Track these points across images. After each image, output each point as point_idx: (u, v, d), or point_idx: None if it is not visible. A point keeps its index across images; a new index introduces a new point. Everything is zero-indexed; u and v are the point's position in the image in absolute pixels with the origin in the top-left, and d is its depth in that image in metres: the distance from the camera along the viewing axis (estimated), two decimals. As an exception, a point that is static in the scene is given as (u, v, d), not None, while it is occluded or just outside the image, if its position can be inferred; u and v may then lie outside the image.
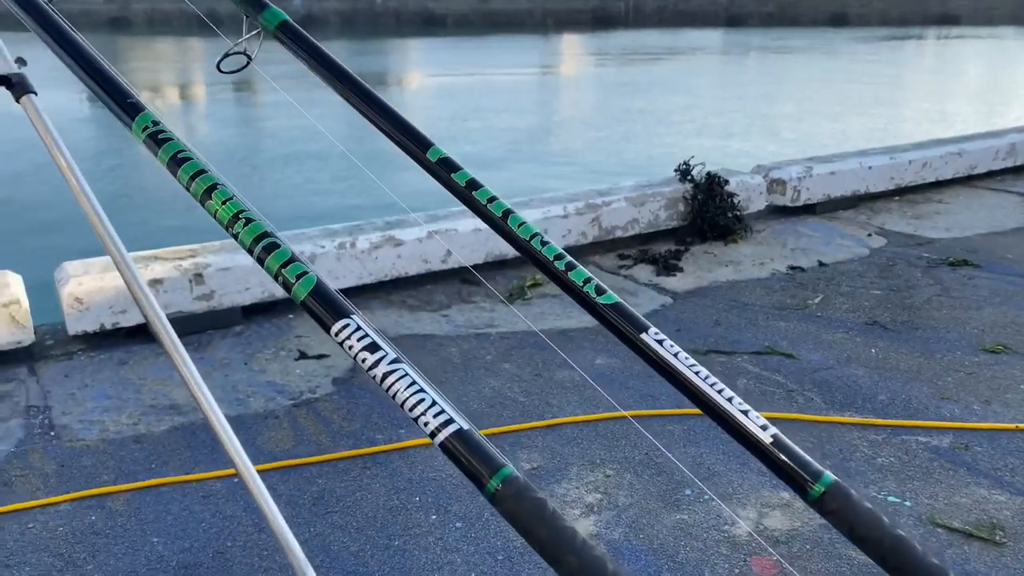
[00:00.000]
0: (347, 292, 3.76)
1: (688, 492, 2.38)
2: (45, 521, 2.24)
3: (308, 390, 2.97)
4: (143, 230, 6.72)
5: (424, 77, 20.41)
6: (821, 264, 4.32)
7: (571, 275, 1.02)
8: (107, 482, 2.41)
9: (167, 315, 1.34)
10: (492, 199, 1.09)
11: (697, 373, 0.95)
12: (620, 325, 1.02)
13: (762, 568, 2.07)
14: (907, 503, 2.33)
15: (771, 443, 0.91)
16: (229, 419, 2.75)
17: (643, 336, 0.98)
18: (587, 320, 3.68)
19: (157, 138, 0.95)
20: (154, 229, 6.71)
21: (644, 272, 4.23)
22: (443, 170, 1.10)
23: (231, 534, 2.18)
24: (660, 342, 0.98)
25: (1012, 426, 2.70)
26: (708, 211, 4.63)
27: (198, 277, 3.38)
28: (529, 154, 10.92)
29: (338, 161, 9.55)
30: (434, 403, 0.80)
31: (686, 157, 4.84)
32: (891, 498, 2.35)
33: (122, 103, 0.97)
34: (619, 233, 4.53)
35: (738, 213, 4.70)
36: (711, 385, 0.94)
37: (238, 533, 2.18)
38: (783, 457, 0.90)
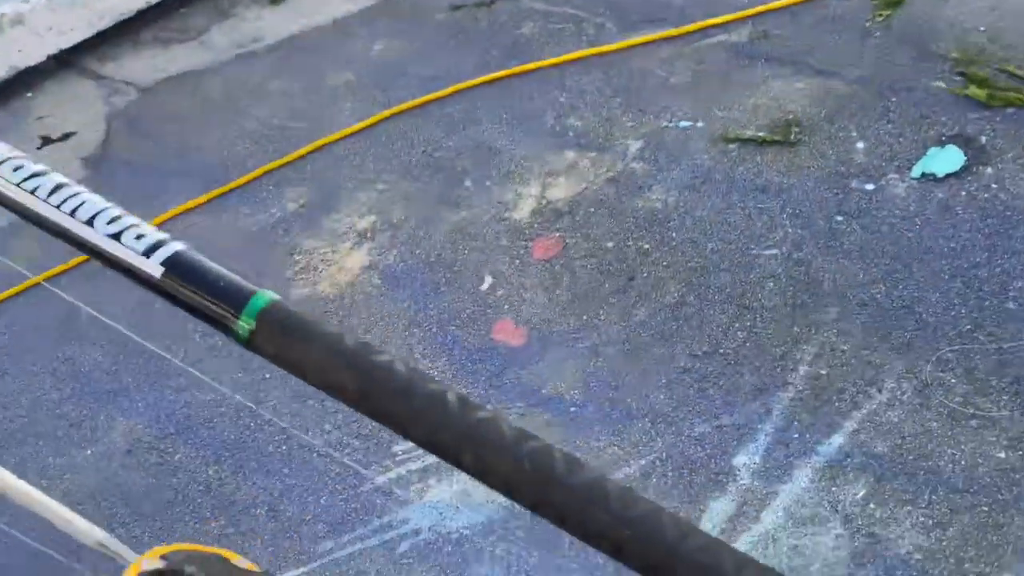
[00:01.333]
0: (86, 46, 3.18)
1: (468, 184, 2.13)
2: None
3: (55, 185, 2.58)
4: None
5: None
6: None
7: None
8: None
9: None
10: None
11: (59, 206, 0.64)
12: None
13: (545, 250, 1.89)
14: (699, 124, 2.09)
15: (162, 276, 0.60)
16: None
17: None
18: (364, 2, 3.17)
19: None
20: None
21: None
22: None
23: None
24: (20, 183, 0.65)
25: (814, -6, 2.38)
26: None
27: None
28: None
29: None
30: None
31: None
32: (682, 123, 2.11)
33: None
34: None
35: None
36: (83, 218, 0.64)
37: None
38: (188, 291, 0.60)
